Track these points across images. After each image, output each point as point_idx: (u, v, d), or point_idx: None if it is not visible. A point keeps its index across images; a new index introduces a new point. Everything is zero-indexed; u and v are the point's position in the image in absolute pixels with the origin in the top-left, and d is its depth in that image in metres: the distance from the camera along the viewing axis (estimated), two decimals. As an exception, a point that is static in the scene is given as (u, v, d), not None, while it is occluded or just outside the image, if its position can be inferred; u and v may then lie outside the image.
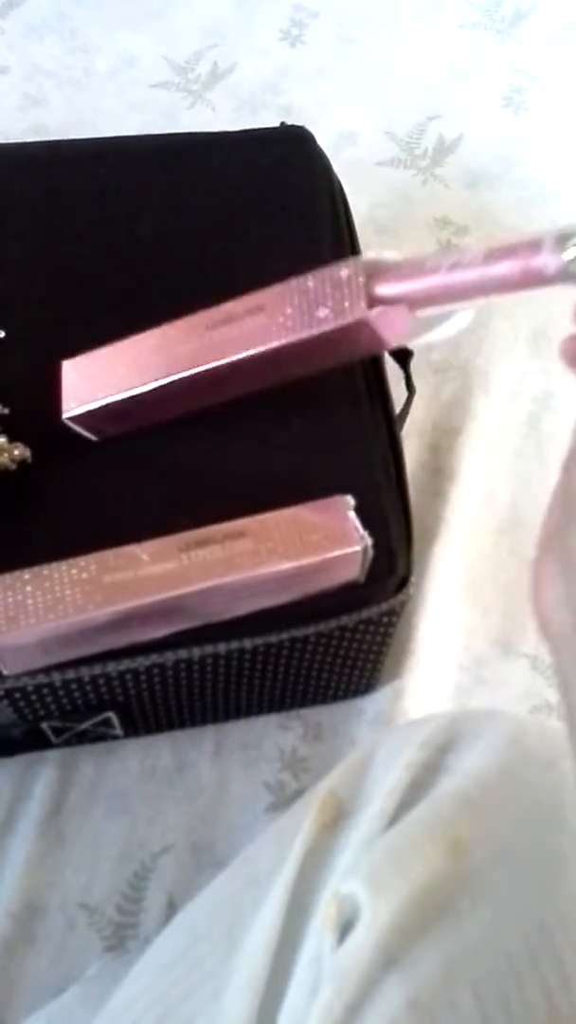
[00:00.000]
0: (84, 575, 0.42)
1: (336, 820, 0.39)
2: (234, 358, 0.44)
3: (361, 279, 0.42)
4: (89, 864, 0.53)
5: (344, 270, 0.43)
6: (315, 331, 0.43)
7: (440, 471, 0.67)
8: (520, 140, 0.84)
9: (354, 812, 0.39)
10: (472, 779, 0.38)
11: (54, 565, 0.42)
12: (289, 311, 0.44)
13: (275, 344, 0.44)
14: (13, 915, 0.51)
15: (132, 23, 0.91)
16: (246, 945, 0.35)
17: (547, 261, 0.36)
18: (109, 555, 0.42)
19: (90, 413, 0.46)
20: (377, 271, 0.42)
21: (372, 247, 0.63)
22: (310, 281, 0.44)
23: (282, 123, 0.65)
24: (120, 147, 0.62)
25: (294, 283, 0.44)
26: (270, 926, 0.35)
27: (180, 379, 0.45)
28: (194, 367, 0.45)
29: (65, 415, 0.46)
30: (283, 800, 0.55)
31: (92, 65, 0.88)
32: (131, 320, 0.52)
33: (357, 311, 0.42)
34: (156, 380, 0.45)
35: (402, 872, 0.34)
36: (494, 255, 0.38)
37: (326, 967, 0.33)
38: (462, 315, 0.42)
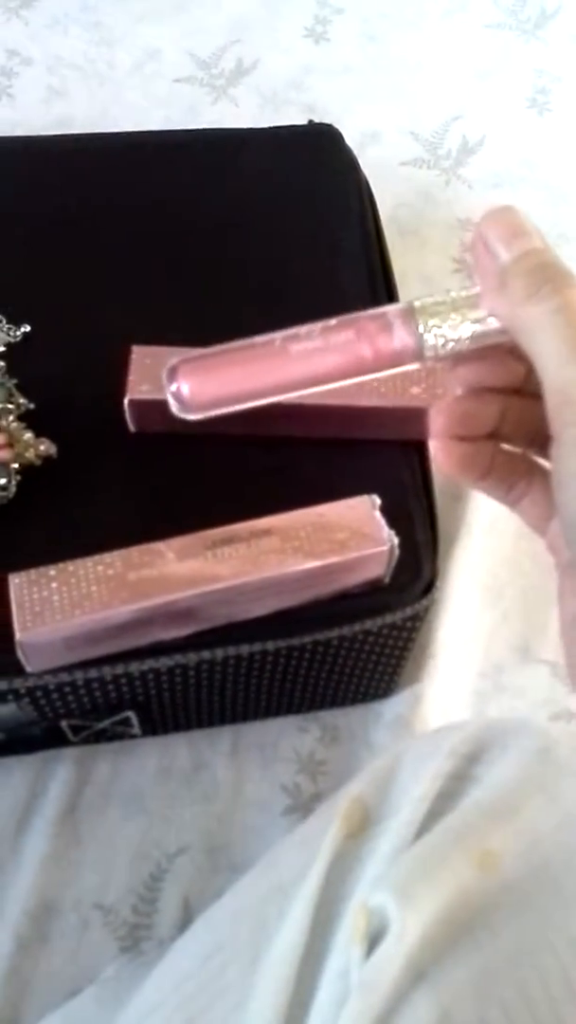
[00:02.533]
0: (110, 572, 0.41)
1: (362, 828, 0.38)
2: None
3: None
4: (104, 864, 0.53)
5: None
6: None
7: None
8: (545, 141, 0.83)
9: (381, 820, 0.38)
10: (501, 790, 0.37)
11: (79, 561, 0.41)
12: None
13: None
14: (28, 913, 0.51)
15: (156, 16, 0.90)
16: (271, 954, 0.35)
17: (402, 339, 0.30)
18: (134, 552, 0.42)
19: (157, 402, 0.45)
20: None
21: (395, 247, 0.63)
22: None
23: (310, 121, 0.65)
24: (148, 141, 0.61)
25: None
26: (295, 935, 0.35)
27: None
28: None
29: (131, 396, 0.46)
30: (300, 803, 0.55)
31: (115, 58, 0.87)
32: (159, 314, 0.52)
33: None
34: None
35: (431, 884, 0.33)
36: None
37: (354, 979, 0.32)
38: None
